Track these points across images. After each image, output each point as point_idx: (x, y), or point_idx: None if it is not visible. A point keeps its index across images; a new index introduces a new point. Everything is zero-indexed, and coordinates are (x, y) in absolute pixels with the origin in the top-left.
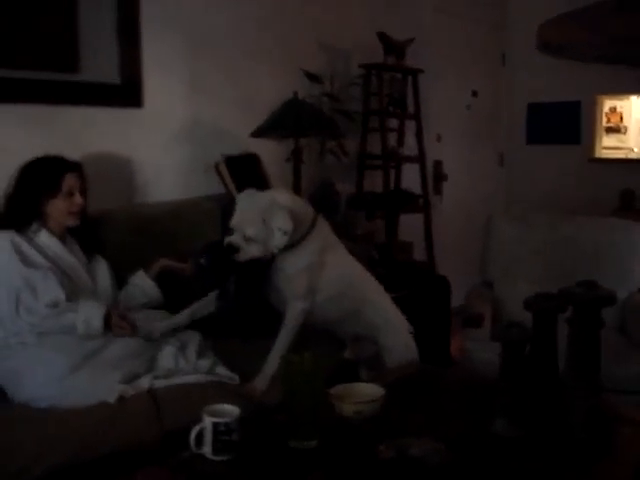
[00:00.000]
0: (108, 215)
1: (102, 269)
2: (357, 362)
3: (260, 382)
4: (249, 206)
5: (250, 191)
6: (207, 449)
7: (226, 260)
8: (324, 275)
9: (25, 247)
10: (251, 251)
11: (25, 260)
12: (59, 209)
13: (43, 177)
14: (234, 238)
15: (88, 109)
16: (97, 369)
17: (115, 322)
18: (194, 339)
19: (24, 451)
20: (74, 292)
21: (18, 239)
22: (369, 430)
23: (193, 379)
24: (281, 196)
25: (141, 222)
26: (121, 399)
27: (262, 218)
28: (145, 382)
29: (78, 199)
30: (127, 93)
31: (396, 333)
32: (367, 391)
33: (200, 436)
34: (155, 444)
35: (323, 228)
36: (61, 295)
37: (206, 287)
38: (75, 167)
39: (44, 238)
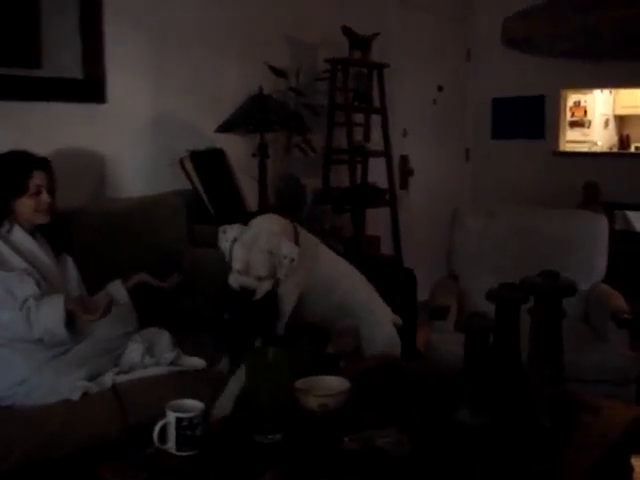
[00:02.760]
0: (75, 212)
1: (70, 267)
2: (339, 356)
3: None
4: (250, 245)
5: (235, 228)
6: (171, 444)
7: (246, 305)
8: (311, 277)
9: (0, 246)
10: (264, 288)
11: (1, 262)
12: (27, 207)
13: (9, 175)
14: (248, 281)
15: (51, 105)
16: (61, 368)
17: (80, 316)
18: (162, 337)
19: None
20: (48, 292)
21: None
22: (334, 423)
23: (155, 371)
24: (272, 224)
25: (107, 219)
26: (85, 396)
27: (268, 252)
28: (108, 378)
29: (45, 197)
30: (90, 89)
31: (379, 326)
32: (332, 384)
33: (164, 431)
34: (120, 440)
35: (305, 239)
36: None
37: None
38: (42, 164)
39: (18, 235)
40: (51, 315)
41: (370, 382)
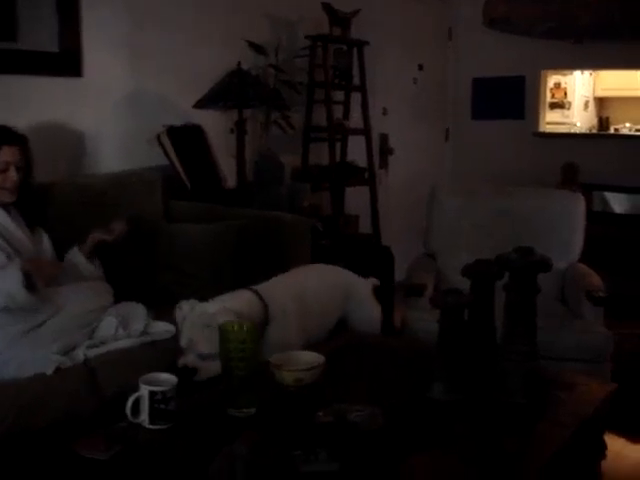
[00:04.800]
0: (50, 187)
1: (44, 241)
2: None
3: None
4: (194, 320)
5: (190, 303)
6: (144, 418)
7: (186, 385)
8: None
9: None
10: (211, 369)
11: None
12: None
13: None
14: (188, 359)
15: (27, 78)
16: (35, 342)
17: (37, 275)
18: (138, 311)
19: None
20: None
21: None
22: (308, 397)
23: (126, 344)
24: (231, 300)
25: (84, 194)
26: (58, 370)
27: (210, 327)
28: (80, 352)
29: (12, 175)
30: (66, 62)
31: (360, 308)
32: (307, 359)
33: (137, 405)
34: (94, 413)
35: (276, 307)
36: None
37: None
38: (13, 140)
39: None
40: (9, 279)
41: (345, 358)
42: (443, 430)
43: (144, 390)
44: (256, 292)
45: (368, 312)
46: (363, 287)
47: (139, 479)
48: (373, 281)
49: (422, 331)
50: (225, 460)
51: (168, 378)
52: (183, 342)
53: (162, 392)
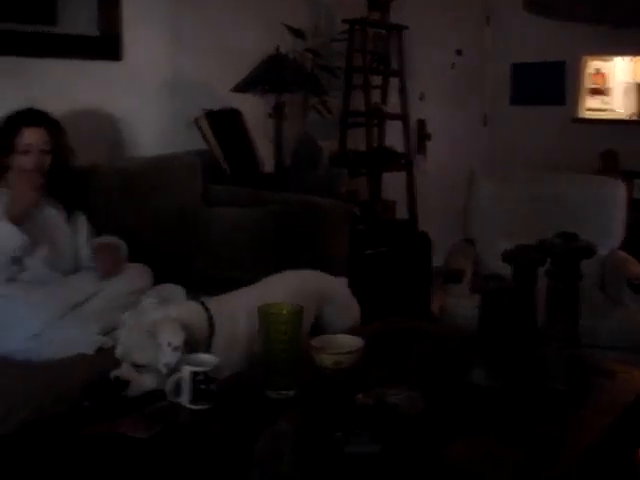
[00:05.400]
0: (90, 171)
1: (80, 224)
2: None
3: None
4: (132, 327)
5: (136, 311)
6: (185, 398)
7: (115, 398)
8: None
9: None
10: (145, 382)
11: None
12: (15, 165)
13: (0, 133)
14: (122, 370)
15: (66, 62)
16: (75, 322)
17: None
18: (177, 292)
19: None
20: (54, 243)
21: None
22: (347, 380)
23: None
24: (173, 310)
25: (123, 177)
26: (100, 350)
27: (148, 336)
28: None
29: (32, 157)
30: (106, 46)
31: (340, 310)
32: (347, 342)
33: (178, 385)
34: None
35: (224, 319)
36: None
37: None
38: (35, 122)
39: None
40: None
41: (384, 343)
42: (484, 415)
43: (186, 370)
44: (202, 303)
45: (351, 312)
46: (340, 287)
47: (180, 458)
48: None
49: (461, 317)
50: (270, 439)
51: (209, 359)
52: (118, 351)
53: (204, 372)
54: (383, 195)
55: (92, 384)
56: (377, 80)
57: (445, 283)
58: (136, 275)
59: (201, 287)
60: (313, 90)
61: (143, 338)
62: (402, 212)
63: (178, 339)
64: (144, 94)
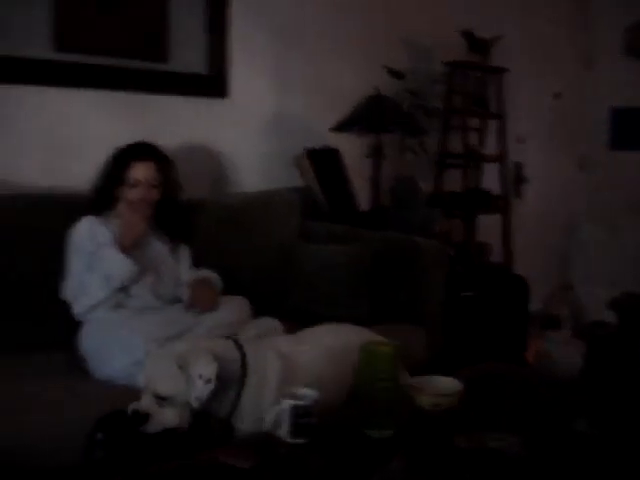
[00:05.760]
0: (197, 204)
1: (184, 255)
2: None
3: None
4: (159, 356)
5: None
6: (284, 431)
7: (131, 433)
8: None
9: (101, 230)
10: (167, 418)
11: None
12: (124, 197)
13: (112, 165)
14: (142, 402)
15: (176, 98)
16: None
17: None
18: (274, 326)
19: None
20: (158, 273)
21: (96, 223)
22: (446, 422)
23: None
24: (203, 342)
25: (229, 212)
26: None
27: (178, 367)
28: None
29: (141, 191)
30: (213, 83)
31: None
32: (446, 385)
33: (277, 417)
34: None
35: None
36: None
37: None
38: (144, 156)
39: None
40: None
41: (481, 386)
42: (587, 464)
43: (286, 404)
44: (235, 341)
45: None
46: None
47: None
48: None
49: (559, 363)
50: (387, 476)
51: (308, 393)
52: (141, 380)
53: (304, 406)
54: (477, 237)
55: (108, 415)
56: (474, 122)
57: (543, 329)
58: (235, 307)
59: (297, 321)
60: (412, 131)
61: (170, 368)
62: (496, 255)
63: (211, 371)
64: (248, 131)
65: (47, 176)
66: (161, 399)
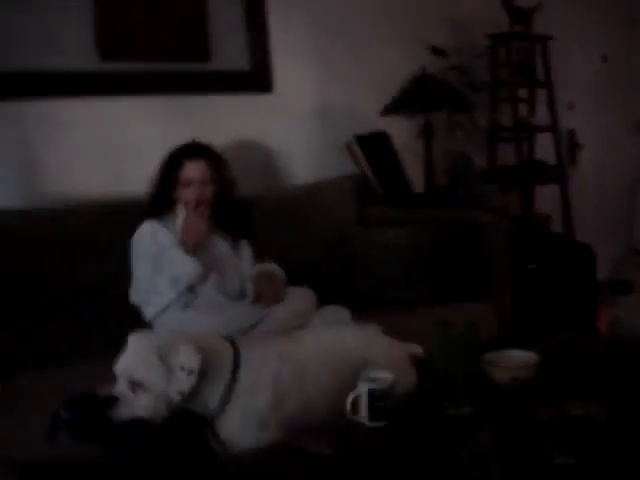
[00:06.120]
0: (253, 200)
1: (246, 251)
2: None
3: None
4: (139, 343)
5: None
6: (363, 415)
7: (98, 418)
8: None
9: (162, 232)
10: (137, 406)
11: (157, 245)
12: (180, 198)
13: (165, 167)
14: (116, 387)
15: (222, 96)
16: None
17: (263, 295)
18: (342, 316)
19: None
20: (222, 271)
21: (157, 226)
22: (524, 396)
23: None
24: (191, 334)
25: (284, 205)
26: None
27: (158, 355)
28: None
29: (195, 190)
30: (257, 79)
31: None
32: (521, 357)
33: (356, 402)
34: None
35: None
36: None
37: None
38: (195, 155)
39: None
40: (179, 262)
41: (556, 357)
42: None
43: (363, 388)
44: (230, 340)
45: (406, 378)
46: (390, 350)
47: (362, 475)
48: (414, 348)
49: (633, 330)
50: (475, 447)
51: (385, 375)
52: (117, 366)
53: (380, 390)
54: (536, 209)
55: (76, 396)
56: (523, 93)
57: (614, 295)
58: (300, 299)
59: (362, 307)
60: (460, 108)
61: (150, 356)
62: (556, 226)
63: (194, 362)
64: (296, 123)
65: (104, 184)
66: (137, 386)
